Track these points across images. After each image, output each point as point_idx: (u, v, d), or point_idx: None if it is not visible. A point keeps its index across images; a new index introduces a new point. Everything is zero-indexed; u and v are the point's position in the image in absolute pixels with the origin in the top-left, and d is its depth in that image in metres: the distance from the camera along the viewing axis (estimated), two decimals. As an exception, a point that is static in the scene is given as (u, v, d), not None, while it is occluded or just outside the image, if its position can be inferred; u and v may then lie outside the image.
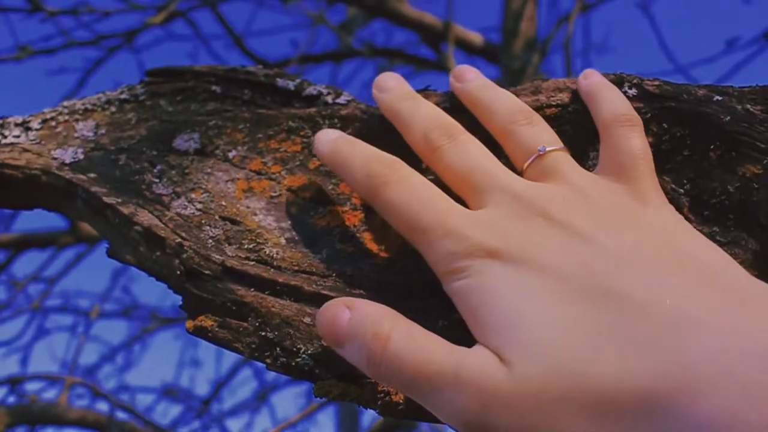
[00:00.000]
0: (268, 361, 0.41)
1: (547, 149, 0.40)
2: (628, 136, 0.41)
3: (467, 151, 0.40)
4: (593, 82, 0.44)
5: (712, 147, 0.43)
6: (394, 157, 0.41)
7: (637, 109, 0.44)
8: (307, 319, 0.40)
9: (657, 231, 0.36)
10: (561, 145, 0.41)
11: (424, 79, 2.97)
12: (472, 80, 0.45)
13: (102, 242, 1.10)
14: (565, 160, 0.40)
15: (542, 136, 0.41)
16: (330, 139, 0.44)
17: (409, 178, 0.39)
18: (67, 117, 0.52)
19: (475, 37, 2.07)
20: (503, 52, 1.83)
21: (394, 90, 0.45)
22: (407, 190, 0.39)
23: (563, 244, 0.35)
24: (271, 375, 2.59)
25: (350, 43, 1.55)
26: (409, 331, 0.34)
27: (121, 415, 1.45)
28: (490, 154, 0.41)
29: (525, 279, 0.34)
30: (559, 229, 0.35)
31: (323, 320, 0.36)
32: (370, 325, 0.34)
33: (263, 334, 0.40)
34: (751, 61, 2.04)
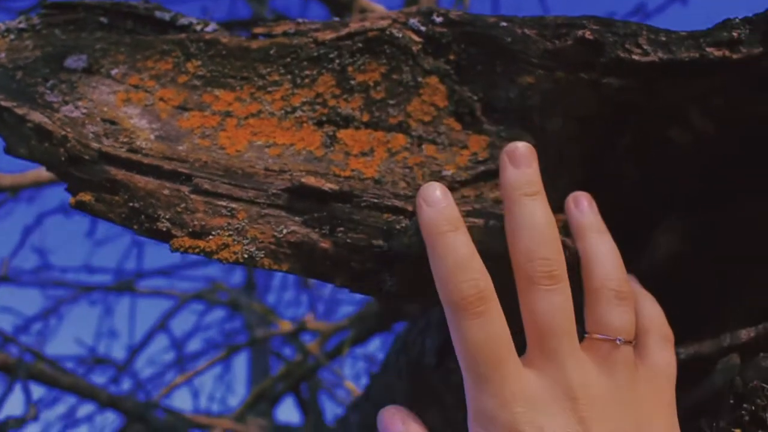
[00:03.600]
0: (136, 227, 0.50)
1: (622, 342, 0.44)
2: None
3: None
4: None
5: (498, 62, 0.54)
6: (486, 278, 0.43)
7: (441, 34, 0.54)
8: (165, 191, 0.50)
9: None
10: (632, 337, 0.45)
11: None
12: (585, 213, 0.49)
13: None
14: (624, 358, 0.44)
15: (625, 324, 0.45)
16: (434, 205, 0.45)
17: (491, 317, 0.42)
18: (-30, 39, 0.60)
19: (381, 10, 2.16)
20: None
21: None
22: (484, 331, 0.42)
23: None
24: (188, 348, 2.65)
25: (263, 13, 1.64)
26: None
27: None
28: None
29: None
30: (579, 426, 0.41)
31: (383, 419, 0.46)
32: None
33: (131, 204, 0.50)
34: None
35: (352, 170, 0.52)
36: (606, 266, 0.46)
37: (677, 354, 0.55)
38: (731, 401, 0.46)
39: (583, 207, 0.49)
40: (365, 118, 0.55)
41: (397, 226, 0.47)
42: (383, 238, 0.47)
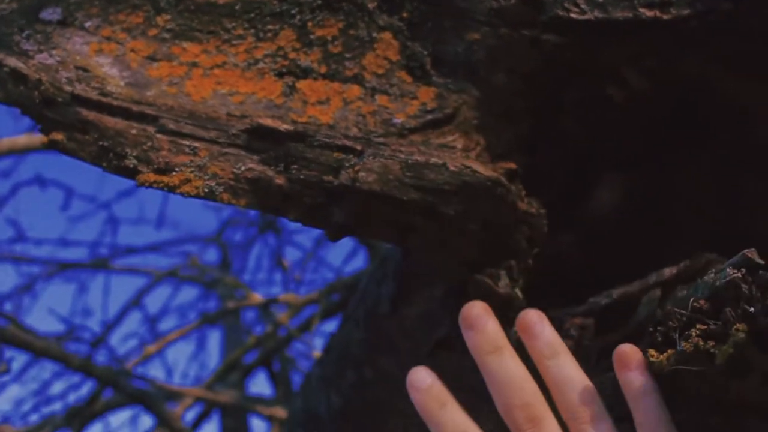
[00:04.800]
0: (105, 164, 0.54)
1: None
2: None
3: None
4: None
5: (446, 20, 0.58)
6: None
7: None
8: (133, 131, 0.54)
9: None
10: None
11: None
12: (539, 337, 0.50)
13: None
14: None
15: None
16: (422, 389, 0.50)
17: None
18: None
19: None
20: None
21: (483, 336, 0.49)
22: None
23: None
24: (162, 326, 2.67)
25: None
26: None
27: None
28: None
29: None
30: None
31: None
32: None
33: (101, 143, 0.54)
34: None
35: (309, 117, 0.56)
36: (570, 391, 0.48)
37: (610, 296, 0.60)
38: (650, 329, 0.50)
39: (534, 331, 0.50)
40: (323, 70, 0.58)
41: (346, 164, 0.51)
42: (333, 174, 0.51)
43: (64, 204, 2.43)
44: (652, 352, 0.45)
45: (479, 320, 0.49)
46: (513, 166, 0.57)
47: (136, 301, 2.45)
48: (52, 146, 0.55)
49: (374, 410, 0.78)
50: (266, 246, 2.85)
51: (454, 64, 0.58)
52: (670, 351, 0.44)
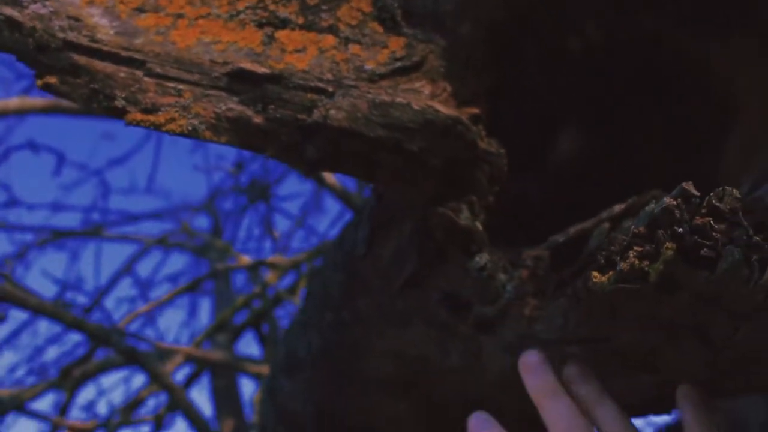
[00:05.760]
0: (95, 105, 0.58)
1: None
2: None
3: None
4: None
5: (416, -28, 0.62)
6: None
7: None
8: (122, 74, 0.57)
9: None
10: None
11: None
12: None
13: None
14: None
15: None
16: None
17: None
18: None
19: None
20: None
21: (540, 382, 0.55)
22: None
23: None
24: (154, 294, 2.72)
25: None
26: None
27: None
28: None
29: None
30: None
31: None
32: None
33: (92, 86, 0.58)
34: None
35: (287, 63, 0.60)
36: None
37: (567, 233, 0.64)
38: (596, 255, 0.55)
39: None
40: (300, 20, 0.62)
41: (319, 104, 0.55)
42: (306, 113, 0.55)
43: (55, 169, 2.46)
44: (595, 274, 0.50)
45: (538, 367, 0.55)
46: (477, 110, 0.61)
47: (127, 268, 2.49)
48: (45, 89, 0.58)
49: (351, 350, 0.83)
50: (257, 214, 2.90)
51: (422, 16, 0.62)
52: (611, 272, 0.49)
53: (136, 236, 2.65)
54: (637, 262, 0.47)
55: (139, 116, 0.57)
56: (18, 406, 1.73)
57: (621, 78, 0.70)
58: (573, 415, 0.53)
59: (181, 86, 0.57)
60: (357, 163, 0.58)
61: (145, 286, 2.64)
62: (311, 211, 2.79)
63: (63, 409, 2.06)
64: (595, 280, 0.50)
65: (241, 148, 0.57)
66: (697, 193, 0.46)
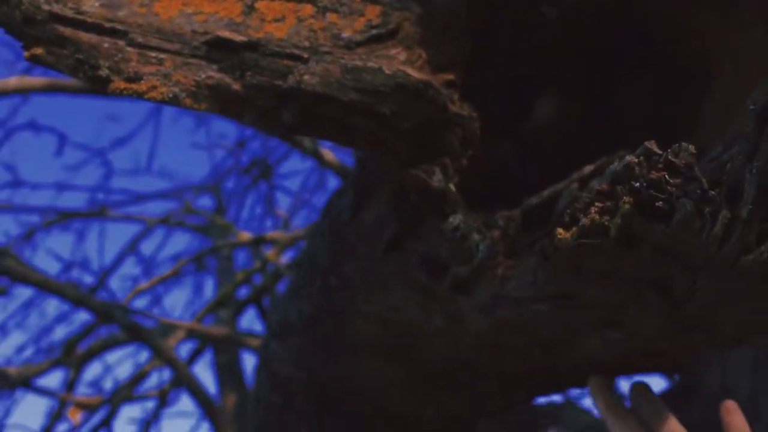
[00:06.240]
0: (81, 74, 0.60)
1: None
2: None
3: None
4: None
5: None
6: None
7: None
8: (106, 45, 0.59)
9: None
10: None
11: None
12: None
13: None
14: None
15: None
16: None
17: None
18: None
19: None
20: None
21: (608, 407, 0.63)
22: None
23: None
24: (158, 271, 2.74)
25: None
26: None
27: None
28: None
29: None
30: None
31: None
32: None
33: (77, 56, 0.59)
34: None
35: (266, 32, 0.61)
36: None
37: (541, 196, 0.66)
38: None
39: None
40: (279, -9, 0.64)
41: (294, 70, 0.57)
42: (282, 79, 0.57)
43: (57, 150, 2.48)
44: (560, 230, 0.52)
45: (606, 392, 0.65)
46: (451, 77, 0.63)
47: (131, 247, 2.52)
48: (32, 60, 0.60)
49: (339, 316, 0.85)
50: (259, 194, 2.92)
51: (398, -16, 0.64)
52: (574, 228, 0.51)
53: (140, 216, 2.68)
54: (597, 217, 0.48)
55: (122, 85, 0.59)
56: (24, 382, 1.76)
57: (597, 43, 0.72)
58: None
59: (162, 55, 0.59)
60: (332, 127, 0.59)
61: (149, 265, 2.67)
62: (313, 190, 2.81)
63: (70, 385, 2.09)
64: (560, 236, 0.52)
65: (220, 114, 0.59)
66: (660, 152, 0.47)
